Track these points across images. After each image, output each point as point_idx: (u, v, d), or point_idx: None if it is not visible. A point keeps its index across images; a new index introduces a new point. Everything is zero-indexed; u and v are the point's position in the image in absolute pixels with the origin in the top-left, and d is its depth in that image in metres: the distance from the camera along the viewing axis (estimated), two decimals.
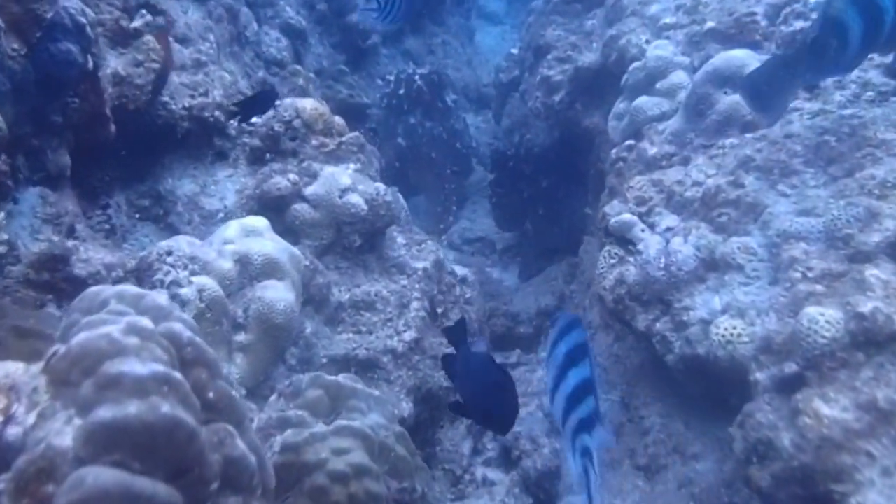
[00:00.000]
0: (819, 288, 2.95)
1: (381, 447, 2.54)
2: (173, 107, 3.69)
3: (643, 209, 3.85)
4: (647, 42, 4.78)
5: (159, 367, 1.42)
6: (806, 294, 2.95)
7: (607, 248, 3.84)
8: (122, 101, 3.50)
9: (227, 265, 3.02)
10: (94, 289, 1.62)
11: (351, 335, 3.48)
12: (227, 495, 1.51)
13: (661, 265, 3.51)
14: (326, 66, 6.83)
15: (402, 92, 6.87)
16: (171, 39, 3.73)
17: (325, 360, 3.33)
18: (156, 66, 3.60)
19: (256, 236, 3.17)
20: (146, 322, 1.49)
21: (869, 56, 3.80)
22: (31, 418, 1.40)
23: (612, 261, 3.78)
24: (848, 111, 3.61)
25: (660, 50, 4.55)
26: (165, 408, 1.38)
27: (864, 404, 2.58)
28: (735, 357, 3.02)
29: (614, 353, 4.09)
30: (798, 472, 2.60)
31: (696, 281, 3.39)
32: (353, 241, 3.71)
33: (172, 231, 3.57)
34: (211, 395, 1.55)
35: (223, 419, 1.55)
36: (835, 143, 3.45)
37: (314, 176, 3.75)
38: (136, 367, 1.39)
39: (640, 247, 3.69)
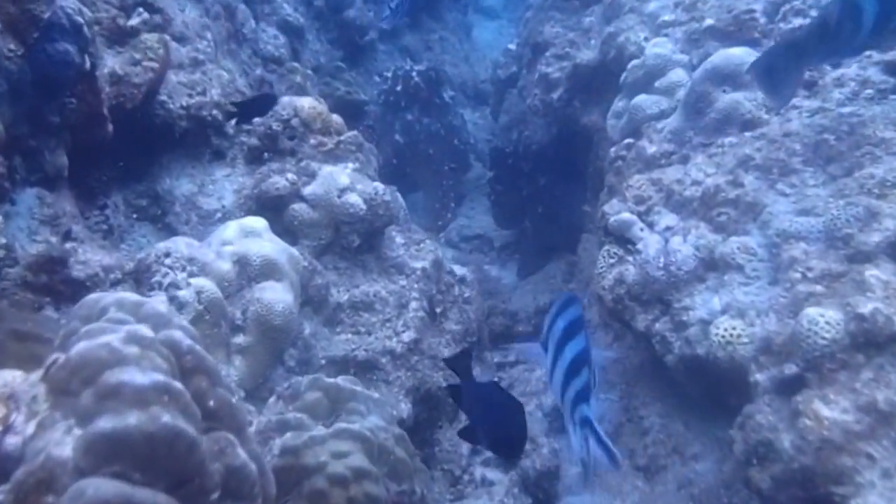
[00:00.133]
0: (819, 288, 2.95)
1: (381, 450, 2.53)
2: (171, 106, 3.67)
3: (642, 208, 3.84)
4: (646, 39, 4.76)
5: (159, 377, 1.41)
6: (806, 294, 2.95)
7: (606, 247, 3.84)
8: (120, 100, 3.48)
9: (226, 266, 3.01)
10: (93, 296, 1.61)
11: (350, 336, 3.47)
12: None
13: (661, 265, 3.50)
14: (324, 63, 6.81)
15: (399, 88, 6.85)
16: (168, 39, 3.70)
17: (323, 362, 3.32)
18: (154, 65, 3.59)
19: (255, 237, 3.16)
20: (146, 330, 1.48)
21: (867, 53, 3.82)
22: (31, 428, 1.39)
23: (612, 260, 3.77)
24: (847, 109, 3.60)
25: (658, 48, 4.53)
26: (166, 418, 1.37)
27: (864, 406, 2.58)
28: (735, 358, 3.02)
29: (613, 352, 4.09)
30: (798, 473, 2.60)
31: (696, 281, 3.39)
32: (352, 241, 3.70)
33: (170, 231, 3.56)
34: (211, 403, 1.55)
35: (224, 427, 1.55)
36: (834, 142, 3.45)
37: (312, 175, 3.74)
38: (136, 376, 1.38)
39: (640, 246, 3.68)
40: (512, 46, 7.64)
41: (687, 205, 3.70)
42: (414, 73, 6.87)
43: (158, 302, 1.60)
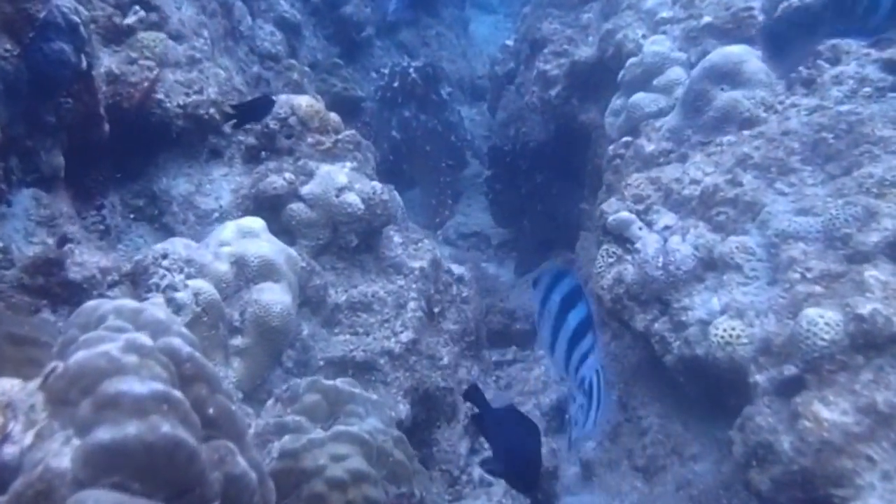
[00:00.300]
0: (818, 289, 2.94)
1: (380, 452, 2.52)
2: (168, 105, 3.64)
3: (641, 207, 3.83)
4: (644, 37, 4.76)
5: (159, 386, 1.40)
6: (805, 295, 2.94)
7: (605, 246, 3.83)
8: (116, 99, 3.47)
9: (224, 267, 2.99)
10: (91, 303, 1.59)
11: (348, 337, 3.46)
12: None
13: (660, 264, 3.50)
14: (321, 59, 6.79)
15: (396, 85, 6.84)
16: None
17: (322, 363, 3.31)
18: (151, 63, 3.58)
19: (253, 238, 3.14)
20: (145, 339, 1.46)
21: (865, 51, 3.81)
22: (29, 438, 1.38)
23: (610, 259, 3.77)
24: (845, 107, 3.60)
25: (657, 45, 4.53)
26: (165, 427, 1.35)
27: (863, 408, 2.58)
28: (734, 358, 3.02)
29: (612, 351, 4.09)
30: (798, 475, 2.60)
31: (695, 280, 3.38)
32: (350, 240, 3.69)
33: (167, 231, 3.54)
34: (211, 410, 1.53)
35: (223, 435, 1.53)
36: (832, 141, 3.44)
37: (310, 175, 3.72)
38: (135, 386, 1.37)
39: (638, 245, 3.68)
40: (509, 42, 7.63)
41: (685, 204, 3.69)
42: (411, 70, 6.86)
43: (157, 309, 1.59)
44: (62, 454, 1.32)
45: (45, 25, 2.78)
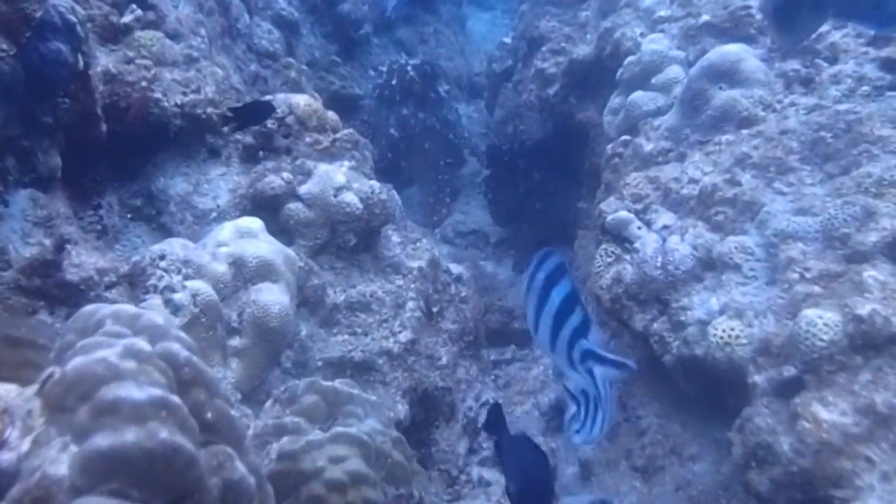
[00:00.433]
0: (817, 289, 2.94)
1: (378, 453, 2.51)
2: (165, 104, 3.63)
3: (639, 206, 3.83)
4: (642, 35, 4.75)
5: (157, 392, 1.39)
6: (804, 295, 2.94)
7: (603, 246, 3.83)
8: (114, 98, 3.46)
9: (222, 268, 2.99)
10: (89, 308, 1.59)
11: (346, 337, 3.45)
12: None
13: (658, 264, 3.50)
14: (318, 57, 6.78)
15: (394, 83, 6.82)
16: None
17: (320, 363, 3.30)
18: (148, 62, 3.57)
19: (251, 238, 3.14)
20: (143, 344, 1.46)
21: (864, 50, 3.80)
22: (26, 444, 1.37)
23: (609, 259, 3.76)
24: (844, 106, 3.59)
25: (655, 44, 4.52)
26: (164, 434, 1.35)
27: (862, 408, 2.58)
28: (733, 359, 3.02)
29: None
30: (797, 476, 2.59)
31: (694, 280, 3.38)
32: (348, 240, 3.68)
33: (165, 231, 3.53)
34: (209, 415, 1.53)
35: (222, 440, 1.53)
36: (831, 140, 3.44)
37: (308, 174, 3.72)
38: (133, 392, 1.36)
39: (637, 245, 3.67)
40: (507, 40, 7.62)
41: (684, 203, 3.69)
42: (409, 68, 6.84)
43: (155, 313, 1.58)
44: (60, 461, 1.32)
45: (41, 25, 2.77)
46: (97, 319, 1.55)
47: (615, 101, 4.63)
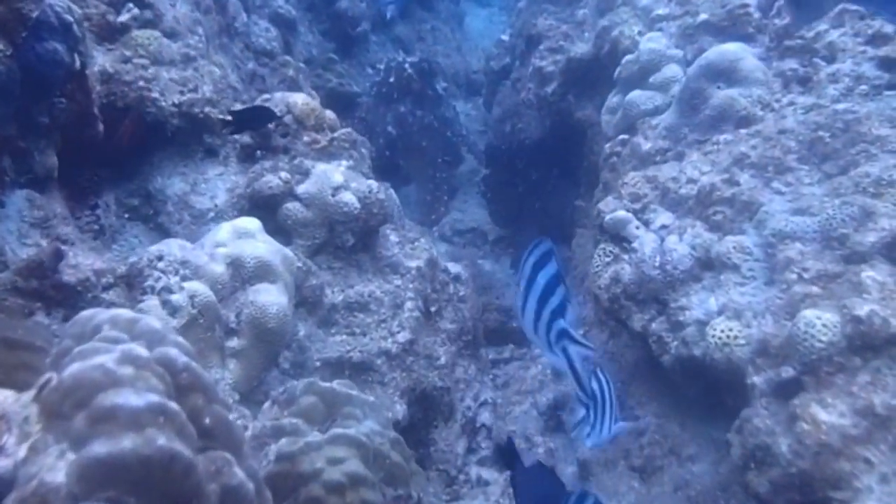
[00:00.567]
0: (815, 289, 2.94)
1: (377, 455, 2.51)
2: (163, 103, 3.61)
3: (637, 206, 3.82)
4: (640, 34, 4.75)
5: (154, 398, 1.39)
6: (802, 296, 2.93)
7: (602, 245, 3.82)
8: (111, 98, 3.44)
9: (219, 269, 2.98)
10: (86, 313, 1.58)
11: (345, 337, 3.44)
12: None
13: (657, 264, 3.49)
14: (316, 55, 6.77)
15: (392, 80, 6.81)
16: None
17: (318, 364, 3.30)
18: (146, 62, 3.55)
19: (248, 238, 3.13)
20: (141, 350, 1.45)
21: (861, 49, 3.80)
22: (23, 451, 1.36)
23: (607, 259, 3.76)
24: (842, 106, 3.59)
25: (653, 43, 4.51)
26: (162, 440, 1.34)
27: (861, 410, 2.57)
28: (732, 360, 3.01)
29: (609, 350, 4.08)
30: (796, 478, 2.59)
31: (692, 280, 3.37)
32: (346, 240, 3.67)
33: (162, 231, 3.52)
34: (207, 420, 1.52)
35: (220, 446, 1.52)
36: (829, 140, 3.43)
37: (306, 174, 3.70)
38: (131, 398, 1.36)
39: (635, 245, 3.67)
40: (505, 37, 7.61)
41: (682, 203, 3.68)
42: (407, 65, 6.83)
43: (153, 318, 1.58)
44: (57, 468, 1.31)
45: (38, 25, 2.76)
46: (94, 324, 1.54)
47: (613, 99, 4.63)
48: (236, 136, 3.83)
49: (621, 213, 3.78)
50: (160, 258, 2.83)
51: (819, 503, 2.53)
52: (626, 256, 3.69)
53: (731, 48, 4.04)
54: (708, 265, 3.35)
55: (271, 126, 3.86)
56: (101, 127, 3.24)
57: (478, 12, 10.84)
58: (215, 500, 1.44)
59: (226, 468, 1.49)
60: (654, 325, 3.44)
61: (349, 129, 4.07)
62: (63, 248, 2.71)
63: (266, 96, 4.13)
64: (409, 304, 3.67)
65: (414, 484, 2.64)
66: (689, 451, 3.41)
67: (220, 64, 4.26)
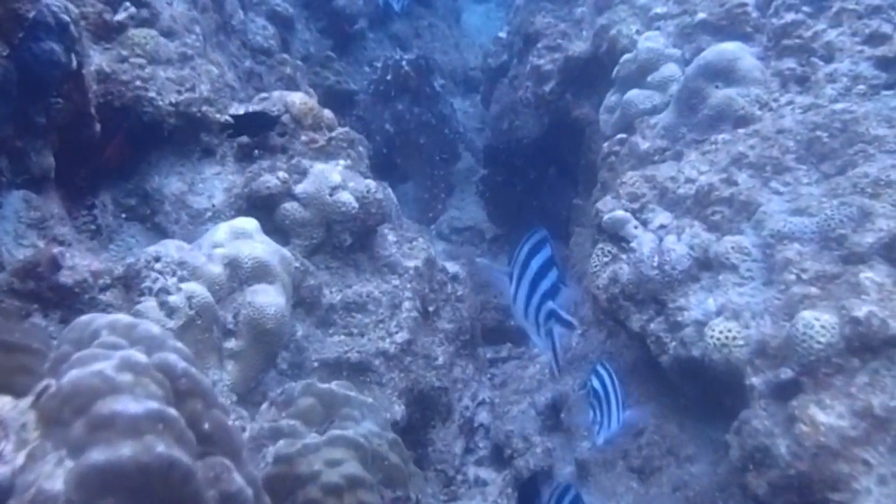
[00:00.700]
0: (813, 290, 2.93)
1: (375, 456, 2.50)
2: (160, 103, 3.60)
3: (636, 206, 3.82)
4: (638, 32, 4.73)
5: (153, 405, 1.38)
6: (801, 297, 2.93)
7: (600, 245, 3.82)
8: (108, 98, 3.43)
9: (217, 269, 2.97)
10: (84, 318, 1.57)
11: (343, 337, 3.44)
12: None
13: (655, 264, 3.48)
14: (313, 52, 6.76)
15: (389, 78, 6.79)
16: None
17: (316, 364, 3.29)
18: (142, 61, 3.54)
19: (246, 238, 3.12)
20: (140, 356, 1.45)
21: (859, 48, 3.80)
22: (20, 458, 1.36)
23: (605, 259, 3.75)
24: (839, 105, 3.58)
25: (651, 42, 4.50)
26: (161, 447, 1.34)
27: (859, 411, 2.57)
28: (730, 360, 3.01)
29: (607, 349, 4.08)
30: (795, 480, 2.59)
31: (690, 280, 3.37)
32: (344, 240, 3.66)
33: (159, 231, 3.51)
34: (206, 426, 1.52)
35: (219, 451, 1.52)
36: (827, 139, 3.43)
37: (304, 173, 3.70)
38: (129, 405, 1.35)
39: (634, 244, 3.66)
40: (502, 34, 7.60)
41: (681, 203, 3.68)
42: (404, 63, 6.81)
43: (152, 323, 1.57)
44: (55, 476, 1.30)
45: (34, 25, 2.75)
46: (93, 329, 1.53)
47: (611, 98, 4.62)
48: None
49: (620, 213, 3.78)
50: (157, 259, 2.82)
51: None
52: (624, 256, 3.68)
53: (730, 47, 4.03)
54: (706, 265, 3.34)
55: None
56: (97, 127, 3.22)
57: (475, 8, 10.82)
58: None
59: (225, 474, 1.49)
60: (652, 326, 3.43)
61: (347, 129, 4.07)
62: (61, 250, 2.70)
63: (264, 95, 4.11)
64: (406, 304, 3.66)
65: (412, 485, 2.64)
66: (688, 451, 3.41)
67: (217, 62, 4.25)
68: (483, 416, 4.06)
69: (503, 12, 9.41)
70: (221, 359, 2.89)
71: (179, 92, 3.71)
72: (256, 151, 3.81)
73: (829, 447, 2.54)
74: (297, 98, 4.00)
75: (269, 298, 3.01)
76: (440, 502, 3.56)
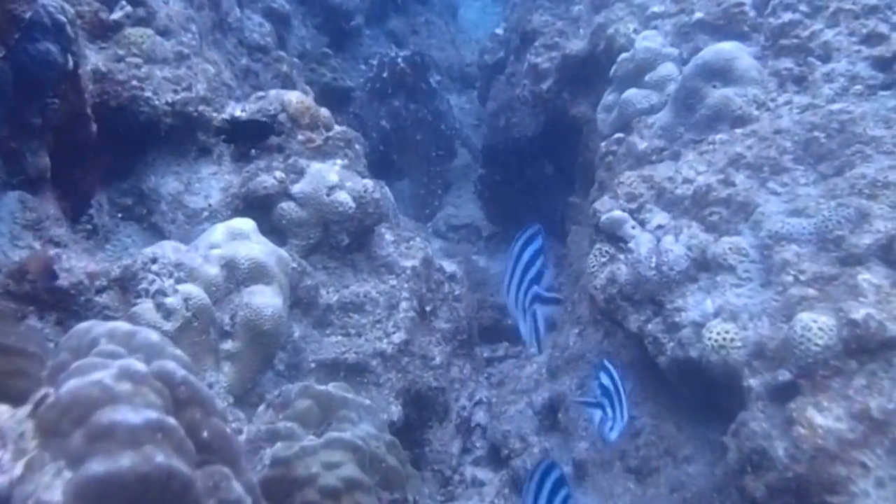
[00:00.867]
0: (811, 292, 2.93)
1: (372, 458, 2.50)
2: (156, 102, 3.59)
3: (633, 206, 3.81)
4: (636, 31, 4.73)
5: (153, 414, 1.37)
6: (798, 298, 2.93)
7: (598, 245, 3.81)
8: (104, 97, 3.42)
9: (214, 271, 2.96)
10: (83, 326, 1.56)
11: (340, 338, 3.43)
12: None
13: (653, 264, 3.48)
14: (310, 49, 6.74)
15: (385, 75, 6.78)
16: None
17: (313, 365, 3.29)
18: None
19: (243, 239, 3.11)
20: (139, 365, 1.44)
21: (856, 48, 3.80)
22: (18, 469, 1.35)
23: (603, 259, 3.75)
24: (837, 106, 3.58)
25: (648, 41, 4.49)
26: (160, 457, 1.33)
27: (857, 413, 2.57)
28: (728, 362, 3.00)
29: (604, 349, 4.07)
30: (793, 482, 2.59)
31: (688, 281, 3.37)
32: (341, 240, 3.66)
33: (156, 231, 3.50)
34: (205, 434, 1.51)
35: (218, 460, 1.51)
36: (824, 140, 3.43)
37: (301, 173, 3.68)
38: (129, 415, 1.35)
39: (631, 245, 3.65)
40: (499, 31, 7.59)
41: (678, 203, 3.67)
42: (399, 59, 6.80)
43: (151, 331, 1.56)
44: (53, 487, 1.30)
45: (30, 25, 2.73)
46: (91, 337, 1.53)
47: (608, 98, 4.61)
48: None
49: (617, 213, 3.77)
50: (154, 260, 2.81)
51: None
52: (622, 257, 3.68)
53: (727, 47, 4.03)
54: (704, 266, 3.34)
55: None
56: (94, 127, 3.21)
57: (471, 3, 10.82)
58: None
59: (224, 483, 1.48)
60: (650, 326, 3.43)
61: (344, 128, 4.05)
62: (57, 252, 2.69)
63: (260, 94, 4.10)
64: (404, 305, 3.66)
65: (410, 487, 2.64)
66: (685, 452, 3.41)
67: (213, 61, 4.23)
68: (480, 416, 4.06)
69: (500, 7, 9.40)
70: (218, 360, 2.88)
71: (176, 91, 3.69)
72: (253, 151, 3.79)
73: (826, 450, 2.54)
74: (294, 97, 3.98)
75: (265, 299, 3.00)
76: (437, 503, 3.56)
